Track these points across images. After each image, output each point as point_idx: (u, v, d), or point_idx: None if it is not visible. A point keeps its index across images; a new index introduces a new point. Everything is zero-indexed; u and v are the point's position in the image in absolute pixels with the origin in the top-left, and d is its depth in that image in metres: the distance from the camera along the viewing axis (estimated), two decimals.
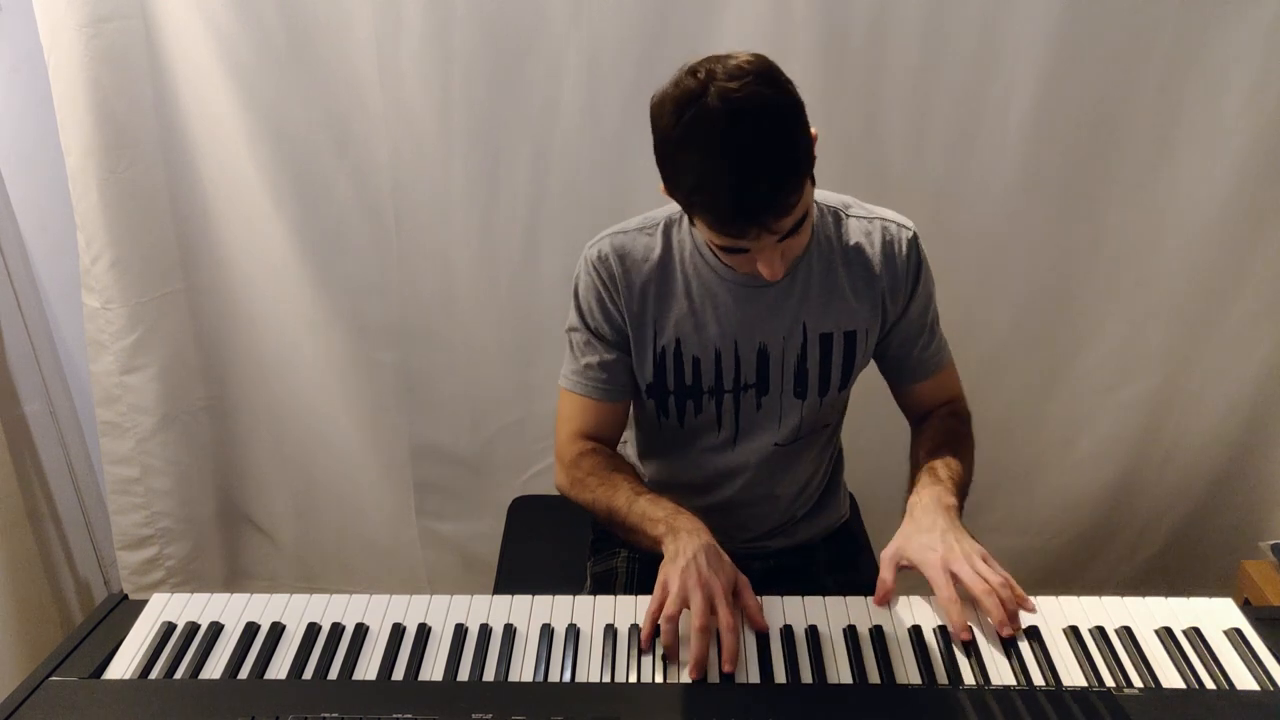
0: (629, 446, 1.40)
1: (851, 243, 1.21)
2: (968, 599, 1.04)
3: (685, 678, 0.96)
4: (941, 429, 1.26)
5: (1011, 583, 1.04)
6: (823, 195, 1.24)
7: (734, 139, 0.94)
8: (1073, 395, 1.90)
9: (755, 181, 0.95)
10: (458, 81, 1.67)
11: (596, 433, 1.26)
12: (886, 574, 1.07)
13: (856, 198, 1.26)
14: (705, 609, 0.99)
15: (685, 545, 1.05)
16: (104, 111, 1.67)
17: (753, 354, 1.22)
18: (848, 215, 1.23)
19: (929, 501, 1.11)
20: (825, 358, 1.23)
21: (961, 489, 1.17)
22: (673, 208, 1.24)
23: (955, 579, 1.04)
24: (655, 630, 1.01)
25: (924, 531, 1.08)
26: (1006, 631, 1.01)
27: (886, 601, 1.07)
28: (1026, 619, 1.05)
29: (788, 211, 0.99)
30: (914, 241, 1.22)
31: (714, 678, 0.97)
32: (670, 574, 1.03)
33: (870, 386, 1.34)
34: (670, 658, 0.99)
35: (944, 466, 1.18)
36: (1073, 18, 1.59)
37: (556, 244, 1.79)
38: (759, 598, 1.06)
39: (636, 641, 1.01)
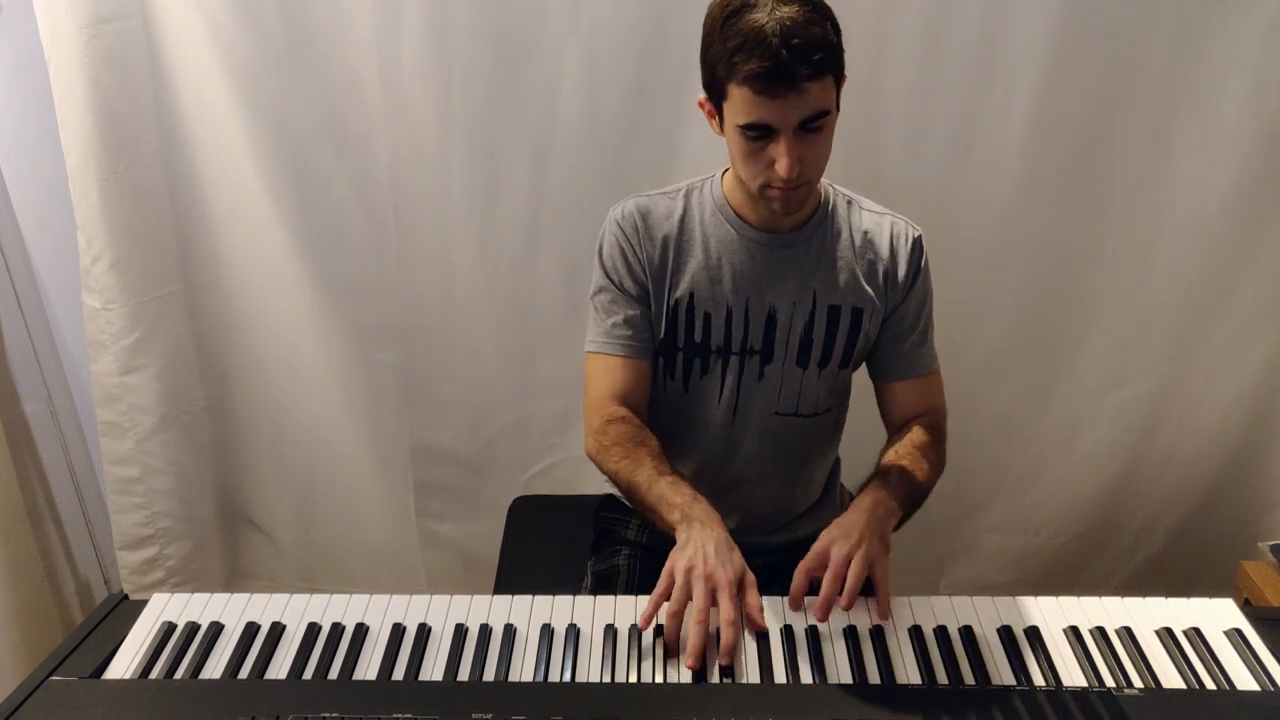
0: None
1: (863, 227, 1.27)
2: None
3: (685, 673, 0.97)
4: (911, 439, 1.27)
5: (875, 593, 1.06)
6: (837, 186, 1.29)
7: (778, 10, 1.04)
8: (1072, 395, 1.90)
9: (794, 36, 1.03)
10: (458, 81, 1.67)
11: (624, 392, 1.27)
12: (798, 575, 1.08)
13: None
14: (706, 602, 1.00)
15: (696, 535, 1.06)
16: (104, 112, 1.67)
17: (762, 316, 1.25)
18: (861, 206, 1.29)
19: (868, 503, 1.14)
20: (831, 329, 1.26)
21: (910, 499, 1.19)
22: (693, 179, 1.29)
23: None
24: (658, 628, 1.01)
25: (839, 528, 1.11)
26: (816, 614, 1.04)
27: (798, 605, 1.07)
28: (1026, 619, 1.05)
29: (819, 74, 1.05)
30: (919, 242, 1.28)
31: (714, 678, 0.97)
32: (678, 562, 1.04)
33: (869, 389, 1.35)
34: (671, 651, 0.99)
35: (899, 473, 1.20)
36: (1072, 19, 1.59)
37: (556, 244, 1.79)
38: (762, 597, 1.06)
39: (637, 641, 1.01)
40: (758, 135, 1.10)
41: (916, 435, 1.28)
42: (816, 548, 1.09)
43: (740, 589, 1.04)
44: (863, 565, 1.05)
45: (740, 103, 1.08)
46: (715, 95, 1.13)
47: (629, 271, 1.26)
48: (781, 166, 1.09)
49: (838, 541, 1.08)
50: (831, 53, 1.07)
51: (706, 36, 1.11)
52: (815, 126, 1.09)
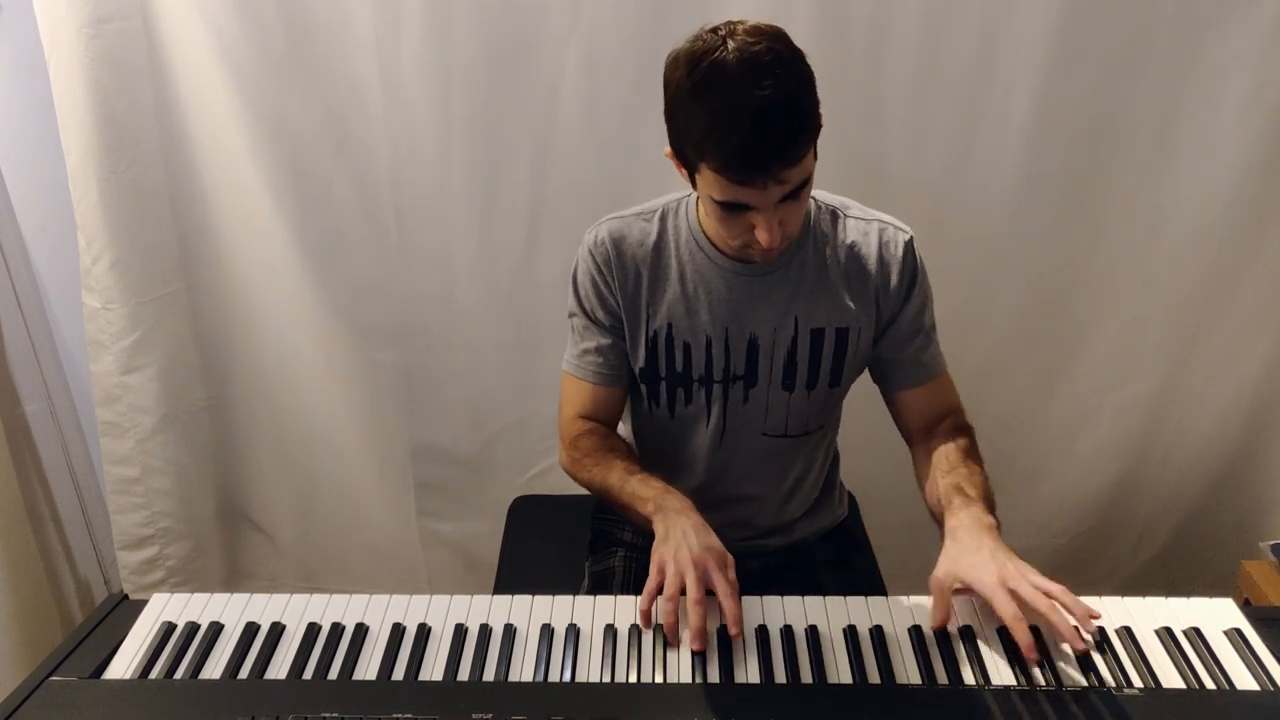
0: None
1: (848, 241, 1.22)
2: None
3: (685, 673, 0.97)
4: (954, 447, 1.21)
5: (1069, 595, 1.00)
6: (822, 195, 1.25)
7: (750, 87, 0.96)
8: (1073, 396, 1.90)
9: (768, 126, 0.97)
10: (458, 81, 1.67)
11: (595, 415, 1.29)
12: (941, 601, 1.04)
13: (856, 201, 1.27)
14: (701, 584, 1.01)
15: (674, 524, 1.07)
16: (104, 112, 1.67)
17: (743, 343, 1.22)
18: (846, 215, 1.24)
19: (970, 522, 1.07)
20: (815, 352, 1.23)
21: (991, 505, 1.14)
22: (670, 197, 1.26)
23: (1015, 597, 0.99)
24: (658, 628, 1.02)
25: (971, 552, 1.04)
26: (1080, 646, 0.97)
27: (944, 626, 1.03)
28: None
29: (795, 162, 1.00)
30: (910, 245, 1.23)
31: (714, 677, 0.97)
32: (664, 555, 1.05)
33: (869, 387, 1.35)
34: (670, 638, 1.00)
35: (970, 485, 1.14)
36: (1072, 19, 1.59)
37: (556, 243, 1.79)
38: (762, 597, 1.07)
39: (636, 641, 1.01)
40: (734, 208, 1.05)
41: (956, 441, 1.22)
42: (999, 599, 0.98)
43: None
44: (1045, 582, 1.00)
45: (713, 184, 1.03)
46: (684, 162, 1.07)
47: (600, 303, 1.24)
48: (763, 239, 1.05)
49: (1009, 579, 0.99)
50: (809, 127, 1.01)
51: (670, 101, 1.04)
52: (795, 194, 1.04)
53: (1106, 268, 1.79)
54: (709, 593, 1.02)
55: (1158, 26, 1.59)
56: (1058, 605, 0.98)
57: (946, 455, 1.20)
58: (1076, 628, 0.98)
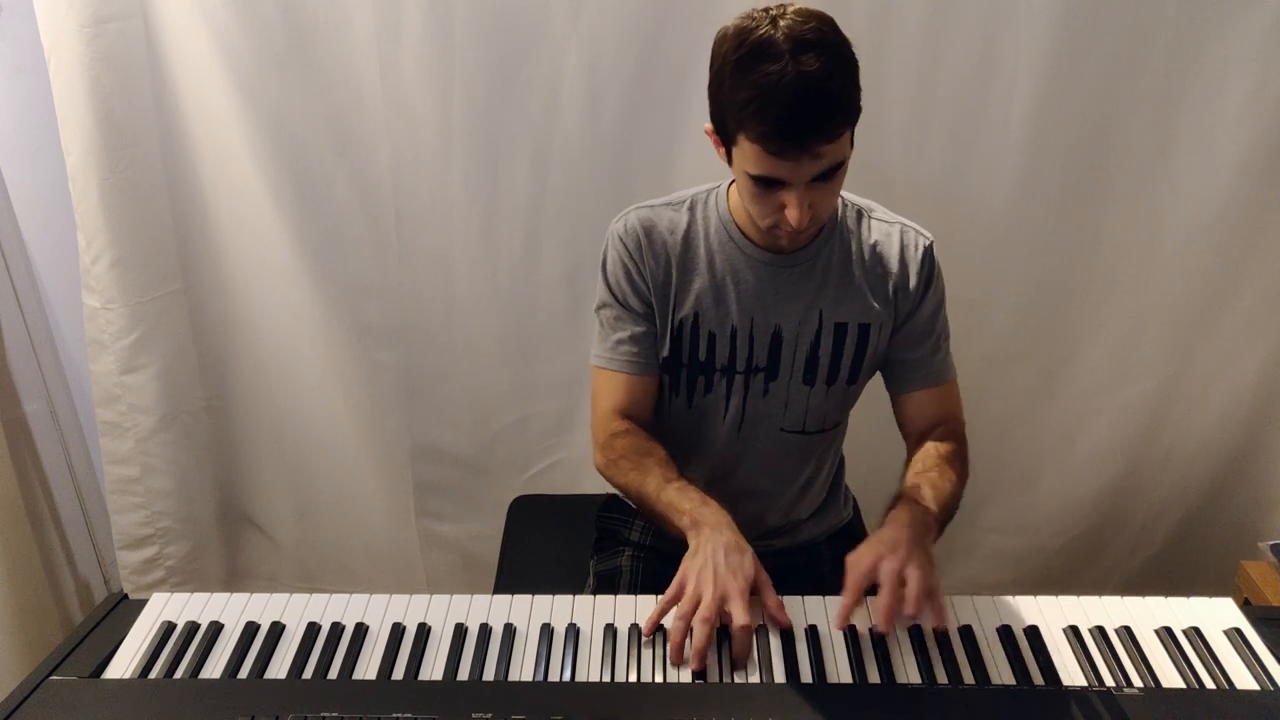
0: None
1: (872, 240, 1.25)
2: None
3: (685, 672, 0.97)
4: (935, 451, 1.23)
5: (932, 600, 1.02)
6: (849, 195, 1.27)
7: (795, 63, 0.99)
8: (1072, 396, 1.90)
9: (808, 99, 0.99)
10: (458, 81, 1.67)
11: (631, 408, 1.27)
12: (851, 587, 1.04)
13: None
14: (715, 607, 0.99)
15: (706, 541, 1.05)
16: (104, 111, 1.67)
17: (767, 335, 1.23)
18: (871, 216, 1.27)
19: (904, 518, 1.09)
20: (838, 347, 1.24)
21: (944, 510, 1.15)
22: (699, 188, 1.27)
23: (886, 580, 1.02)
24: (663, 631, 1.01)
25: (883, 543, 1.06)
26: (882, 629, 1.00)
27: (845, 624, 1.03)
28: (1025, 618, 1.05)
29: (831, 139, 1.02)
30: (930, 249, 1.26)
31: (714, 677, 0.97)
32: (688, 571, 1.04)
33: (870, 388, 1.35)
34: (673, 656, 0.98)
35: (930, 488, 1.16)
36: (1072, 19, 1.59)
37: (557, 243, 1.79)
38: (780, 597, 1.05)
39: (637, 641, 1.01)
40: (768, 184, 1.07)
41: (940, 446, 1.24)
42: (863, 565, 1.03)
43: (756, 591, 1.03)
44: (920, 578, 1.01)
45: (750, 155, 1.05)
46: (724, 136, 1.09)
47: (633, 289, 1.24)
48: (792, 217, 1.07)
49: (886, 558, 1.02)
50: (850, 109, 1.04)
51: (716, 74, 1.06)
52: (829, 175, 1.07)
53: (1106, 268, 1.79)
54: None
55: (1158, 27, 1.59)
56: (894, 589, 1.00)
57: (924, 457, 1.23)
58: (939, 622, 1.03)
